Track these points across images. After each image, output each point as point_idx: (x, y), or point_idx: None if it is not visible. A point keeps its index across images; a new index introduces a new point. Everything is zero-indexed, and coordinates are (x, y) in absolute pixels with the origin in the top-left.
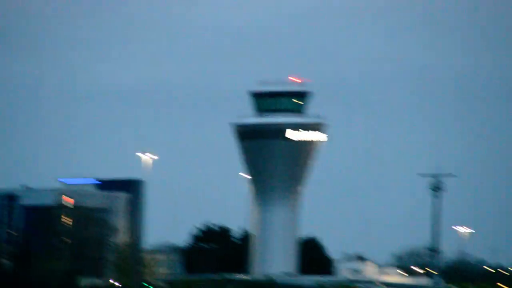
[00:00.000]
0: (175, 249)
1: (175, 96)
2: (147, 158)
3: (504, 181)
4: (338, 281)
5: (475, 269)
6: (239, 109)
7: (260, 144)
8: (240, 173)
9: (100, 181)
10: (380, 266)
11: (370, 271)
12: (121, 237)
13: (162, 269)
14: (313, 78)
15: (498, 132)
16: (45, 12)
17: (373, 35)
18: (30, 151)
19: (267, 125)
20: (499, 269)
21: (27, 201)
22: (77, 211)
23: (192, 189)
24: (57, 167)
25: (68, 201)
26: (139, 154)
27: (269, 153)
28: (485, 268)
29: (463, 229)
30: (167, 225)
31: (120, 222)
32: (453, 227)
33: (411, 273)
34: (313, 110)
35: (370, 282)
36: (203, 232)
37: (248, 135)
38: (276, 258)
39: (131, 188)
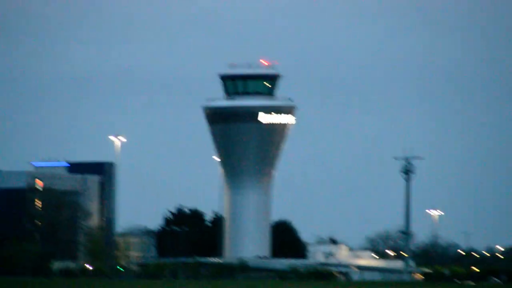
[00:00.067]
0: (147, 232)
1: (145, 79)
2: (119, 141)
3: (481, 167)
4: (311, 264)
5: (448, 252)
6: (209, 92)
7: (231, 127)
8: (213, 156)
9: (71, 164)
10: (353, 249)
11: (343, 254)
12: (94, 220)
13: (135, 252)
14: (282, 61)
15: (470, 115)
16: None
17: (344, 18)
18: (1, 134)
19: (238, 108)
20: (471, 252)
21: None
22: (49, 194)
23: (164, 172)
24: (28, 150)
25: (40, 184)
26: (111, 137)
27: (240, 136)
28: (457, 251)
29: (435, 212)
30: (140, 209)
31: (92, 205)
32: (426, 210)
33: (384, 256)
34: (283, 93)
35: (343, 265)
36: (175, 215)
37: (219, 118)
38: (248, 242)
39: (102, 171)
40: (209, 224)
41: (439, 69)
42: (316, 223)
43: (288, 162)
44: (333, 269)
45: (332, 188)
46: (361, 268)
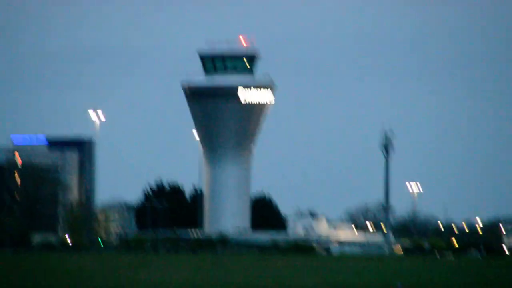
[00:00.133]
0: (127, 207)
1: (124, 55)
2: (98, 117)
3: (460, 141)
4: (291, 237)
5: (427, 225)
6: (188, 68)
7: (210, 105)
8: (192, 132)
9: (51, 139)
10: (332, 222)
11: (322, 228)
12: (73, 195)
13: (115, 227)
14: (261, 40)
15: (449, 89)
16: None
17: None
18: None
19: (218, 86)
20: (451, 225)
21: None
22: (28, 169)
23: (144, 148)
24: (7, 125)
25: (19, 159)
26: (91, 113)
27: (219, 114)
28: (436, 224)
29: (415, 186)
30: (120, 184)
31: (71, 180)
32: (406, 183)
33: (364, 229)
34: (262, 70)
35: (323, 239)
36: (155, 190)
37: (198, 96)
38: (228, 216)
39: (81, 146)
40: (189, 199)
41: (414, 42)
42: (295, 197)
43: (267, 137)
44: (313, 242)
45: (311, 162)
46: (341, 242)
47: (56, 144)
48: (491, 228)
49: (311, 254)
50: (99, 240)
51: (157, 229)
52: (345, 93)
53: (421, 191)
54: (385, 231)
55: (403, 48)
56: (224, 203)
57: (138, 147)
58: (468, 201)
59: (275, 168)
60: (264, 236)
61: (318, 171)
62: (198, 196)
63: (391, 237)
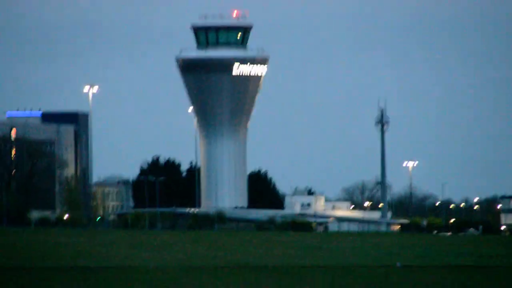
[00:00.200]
0: (124, 182)
1: (118, 30)
2: (93, 91)
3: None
4: (288, 214)
5: (424, 203)
6: (182, 42)
7: (204, 78)
8: (187, 107)
9: (45, 114)
10: (330, 200)
11: (320, 205)
12: (69, 170)
13: (112, 202)
14: (254, 11)
15: (445, 66)
16: None
17: None
18: None
19: (211, 58)
20: (448, 203)
21: None
22: (23, 144)
23: (139, 122)
24: (1, 100)
25: (14, 133)
26: (86, 86)
27: (213, 87)
28: (434, 202)
29: (412, 164)
30: (116, 159)
31: (67, 155)
32: (404, 161)
33: (361, 207)
34: (255, 43)
35: (320, 216)
36: (151, 165)
37: (192, 69)
38: (225, 192)
39: (77, 121)
40: (185, 174)
41: (412, 14)
42: (293, 174)
43: (263, 112)
44: (310, 219)
45: (309, 139)
46: (338, 219)
47: (51, 118)
48: (489, 206)
49: (309, 231)
50: (98, 216)
51: (154, 205)
52: (343, 67)
53: (419, 168)
54: (382, 208)
55: (402, 21)
56: (220, 179)
57: (134, 122)
58: (466, 179)
59: (272, 144)
60: (261, 213)
61: (315, 147)
62: (194, 171)
63: (388, 215)
